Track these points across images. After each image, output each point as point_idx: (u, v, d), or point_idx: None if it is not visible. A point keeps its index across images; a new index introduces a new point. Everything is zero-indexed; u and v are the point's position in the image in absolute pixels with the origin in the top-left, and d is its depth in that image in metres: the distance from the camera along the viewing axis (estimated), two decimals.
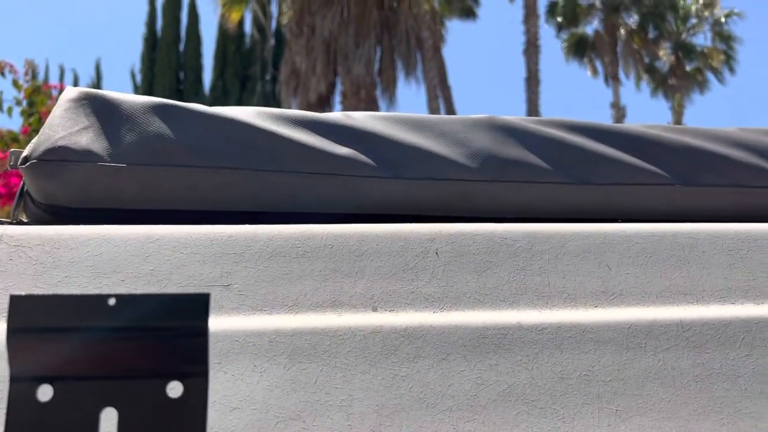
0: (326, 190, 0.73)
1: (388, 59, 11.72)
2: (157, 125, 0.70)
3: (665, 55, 18.70)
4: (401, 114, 0.82)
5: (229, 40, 18.81)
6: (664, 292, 0.63)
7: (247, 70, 19.13)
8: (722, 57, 18.55)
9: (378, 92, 11.74)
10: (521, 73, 15.47)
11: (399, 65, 12.16)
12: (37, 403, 0.35)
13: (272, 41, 17.20)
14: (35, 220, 0.73)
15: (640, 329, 0.59)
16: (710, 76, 18.99)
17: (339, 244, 0.62)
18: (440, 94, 14.93)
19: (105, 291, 0.58)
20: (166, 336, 0.38)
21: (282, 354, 0.53)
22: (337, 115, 0.80)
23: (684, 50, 18.60)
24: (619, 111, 16.87)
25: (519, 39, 15.14)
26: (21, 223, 0.75)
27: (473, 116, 0.82)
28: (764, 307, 0.64)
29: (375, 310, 0.59)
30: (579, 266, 0.64)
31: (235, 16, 13.00)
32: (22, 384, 0.35)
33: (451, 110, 15.47)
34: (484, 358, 0.56)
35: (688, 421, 0.54)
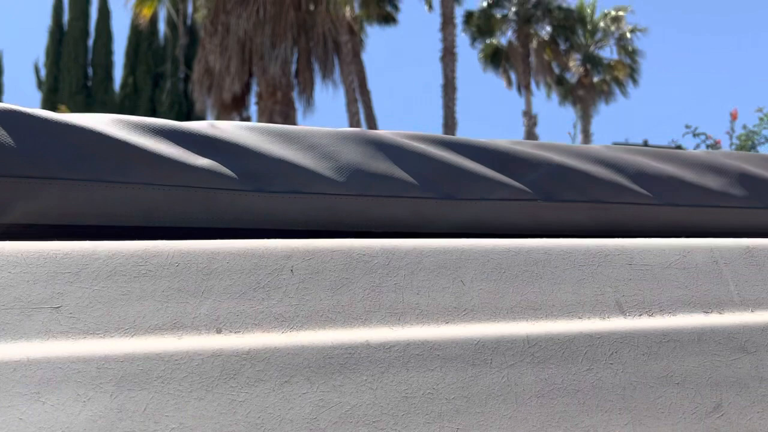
0: (182, 203, 0.70)
1: (305, 61, 11.63)
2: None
3: (574, 67, 19.57)
4: (270, 125, 0.80)
5: (141, 36, 18.11)
6: (515, 308, 0.65)
7: (159, 67, 18.48)
8: (627, 70, 19.62)
9: (295, 94, 11.63)
10: (439, 79, 15.75)
11: (316, 68, 12.10)
12: None
13: (185, 39, 16.71)
14: None
15: (487, 345, 0.60)
16: (615, 87, 20.04)
17: (186, 261, 0.59)
18: (359, 98, 14.99)
19: None
20: None
21: (110, 381, 0.50)
22: (201, 124, 0.77)
23: (592, 62, 19.53)
24: (530, 119, 17.50)
25: (438, 46, 15.41)
26: None
27: (343, 129, 0.81)
28: (608, 322, 0.66)
29: (219, 332, 0.57)
30: (434, 282, 0.64)
31: (146, 12, 12.53)
32: None
33: (370, 114, 15.54)
34: (329, 379, 0.55)
35: None
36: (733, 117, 7.22)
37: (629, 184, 0.86)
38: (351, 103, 14.89)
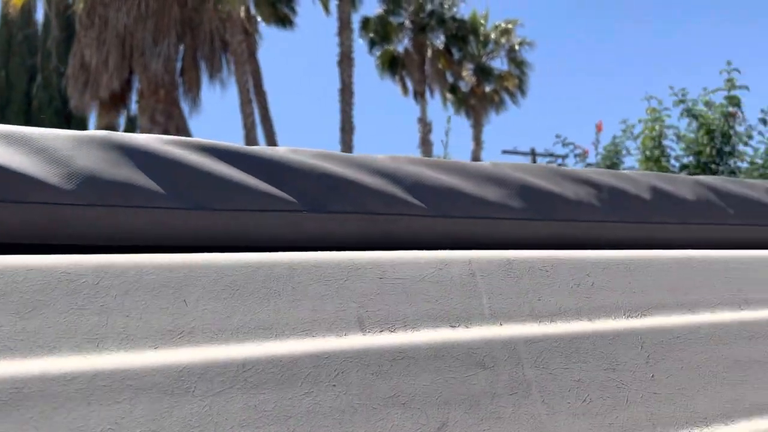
0: None
1: (191, 59, 11.22)
2: None
3: (467, 76, 20.19)
4: (5, 127, 0.71)
5: (14, 26, 16.80)
6: (242, 329, 0.61)
7: (35, 60, 17.21)
8: (516, 81, 20.48)
9: (180, 93, 11.18)
10: (337, 84, 15.76)
11: (203, 66, 11.71)
12: None
13: (59, 31, 15.66)
14: None
15: (193, 371, 0.55)
16: (506, 97, 20.87)
17: None
18: (254, 99, 14.69)
19: None
20: None
21: None
22: None
23: (483, 73, 20.23)
24: (425, 126, 17.87)
25: (335, 50, 15.41)
26: None
27: (86, 132, 0.74)
28: (343, 340, 0.63)
29: None
30: (151, 302, 0.59)
31: (17, 1, 11.61)
32: None
33: (266, 115, 15.26)
34: None
35: None
36: (598, 129, 7.68)
37: (404, 195, 0.85)
38: (245, 104, 14.55)
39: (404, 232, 0.84)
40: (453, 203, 0.88)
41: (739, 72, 6.80)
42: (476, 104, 19.76)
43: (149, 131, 8.44)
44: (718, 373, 0.78)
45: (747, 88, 6.80)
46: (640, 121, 7.24)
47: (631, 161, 7.48)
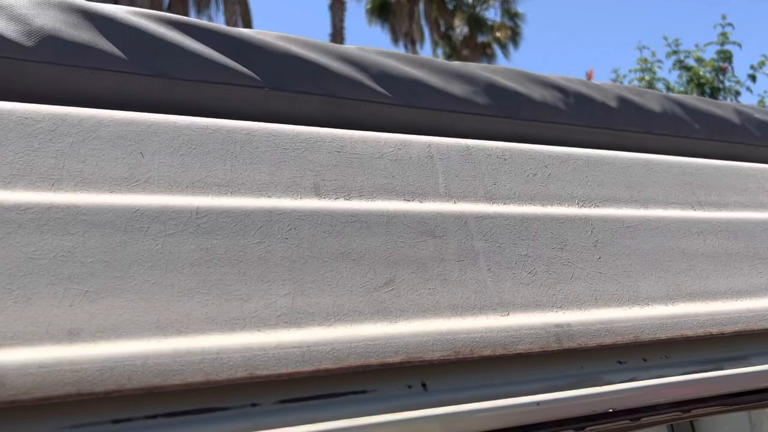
0: None
1: None
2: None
3: (460, 26, 19.87)
4: None
5: None
6: (197, 183, 0.62)
7: None
8: (509, 32, 20.20)
9: None
10: (327, 29, 15.47)
11: (190, 2, 11.41)
12: None
13: None
14: None
15: (147, 214, 0.57)
16: (498, 49, 20.61)
17: None
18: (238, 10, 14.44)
19: None
20: None
21: None
22: None
23: (476, 23, 19.91)
24: None
25: None
26: None
27: None
28: (298, 201, 0.65)
29: None
30: (107, 152, 0.60)
31: None
32: None
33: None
34: None
35: (168, 302, 0.53)
36: (589, 77, 7.65)
37: (369, 82, 0.86)
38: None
39: (367, 119, 0.85)
40: (418, 95, 0.89)
41: (732, 27, 6.77)
42: (468, 55, 19.51)
43: None
44: (663, 262, 0.81)
45: (739, 44, 6.78)
46: (631, 71, 7.22)
47: None
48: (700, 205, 0.92)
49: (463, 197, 0.75)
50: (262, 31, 0.85)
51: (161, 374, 0.49)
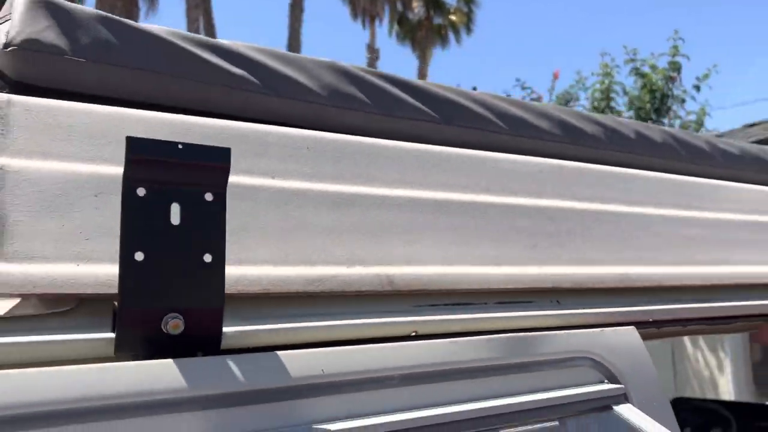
0: None
1: None
2: (104, 32, 0.81)
3: (417, 7, 20.19)
4: None
5: None
6: None
7: None
8: (463, 17, 20.69)
9: None
10: None
11: None
12: None
13: None
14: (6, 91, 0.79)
15: None
16: (451, 34, 21.09)
17: None
18: (202, 4, 14.30)
19: (99, 150, 0.67)
20: None
21: None
22: None
23: (434, 6, 20.28)
24: (373, 53, 17.94)
25: None
26: None
27: None
28: None
29: None
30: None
31: None
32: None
33: (209, 21, 14.90)
34: None
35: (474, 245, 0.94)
36: (555, 77, 8.29)
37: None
38: (191, 9, 14.16)
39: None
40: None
41: (683, 41, 7.51)
42: (423, 37, 19.91)
43: None
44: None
45: (688, 57, 7.53)
46: (593, 74, 7.88)
47: (579, 109, 8.15)
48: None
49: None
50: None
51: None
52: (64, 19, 0.78)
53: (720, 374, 6.35)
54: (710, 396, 5.92)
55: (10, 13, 0.77)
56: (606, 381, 0.79)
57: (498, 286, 0.84)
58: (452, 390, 0.68)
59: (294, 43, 16.21)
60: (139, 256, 0.56)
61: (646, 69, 7.70)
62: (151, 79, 0.82)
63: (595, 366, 0.80)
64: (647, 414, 0.76)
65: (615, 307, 0.93)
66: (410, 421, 0.63)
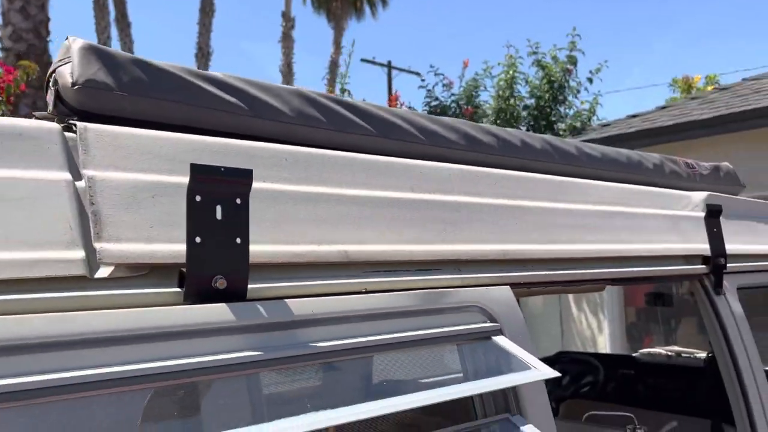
0: None
1: None
2: (137, 72, 1.02)
3: None
4: None
5: None
6: None
7: None
8: None
9: None
10: None
11: None
12: None
13: None
14: (64, 119, 0.93)
15: None
16: (366, 6, 21.15)
17: None
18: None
19: (148, 164, 0.87)
20: None
21: None
22: None
23: None
24: (288, 21, 17.76)
25: None
26: (52, 119, 1.06)
27: None
28: None
29: None
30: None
31: None
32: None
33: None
34: None
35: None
36: (465, 65, 8.77)
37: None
38: None
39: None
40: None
41: (580, 37, 8.20)
42: (338, 8, 19.85)
43: (7, 12, 7.87)
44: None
45: (583, 52, 8.21)
46: (499, 64, 8.42)
47: (486, 96, 8.70)
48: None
49: None
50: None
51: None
52: (109, 61, 0.98)
53: (599, 333, 7.18)
54: (591, 350, 6.72)
55: (69, 57, 0.97)
56: (488, 321, 1.16)
57: (419, 258, 1.11)
58: (390, 326, 1.03)
59: (207, 9, 15.83)
60: (198, 239, 0.81)
61: (548, 59, 8.34)
62: (169, 107, 1.04)
63: (482, 312, 1.13)
64: (514, 342, 1.16)
65: (497, 273, 1.23)
66: (363, 342, 0.95)
